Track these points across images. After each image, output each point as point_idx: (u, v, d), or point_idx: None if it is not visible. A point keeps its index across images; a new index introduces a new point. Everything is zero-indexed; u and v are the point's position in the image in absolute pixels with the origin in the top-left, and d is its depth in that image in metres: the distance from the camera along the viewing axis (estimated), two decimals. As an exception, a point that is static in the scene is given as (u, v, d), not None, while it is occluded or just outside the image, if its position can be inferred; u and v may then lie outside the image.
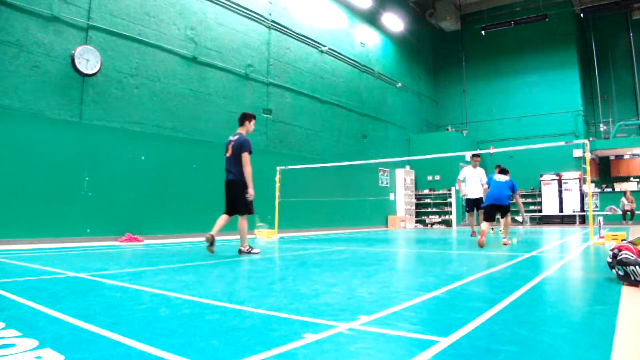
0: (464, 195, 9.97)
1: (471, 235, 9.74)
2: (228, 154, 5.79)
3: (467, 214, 10.30)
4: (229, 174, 5.76)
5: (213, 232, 5.52)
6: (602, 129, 19.54)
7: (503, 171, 7.52)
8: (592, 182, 17.18)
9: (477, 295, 2.82)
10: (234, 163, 5.69)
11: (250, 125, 5.97)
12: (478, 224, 8.49)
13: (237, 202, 5.65)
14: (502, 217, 7.41)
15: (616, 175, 19.02)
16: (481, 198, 9.26)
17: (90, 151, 8.22)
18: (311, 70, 13.90)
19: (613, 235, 7.00)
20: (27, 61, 7.54)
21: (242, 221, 5.73)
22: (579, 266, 4.51)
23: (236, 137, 5.80)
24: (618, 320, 2.07)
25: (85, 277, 3.65)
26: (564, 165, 18.66)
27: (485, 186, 7.76)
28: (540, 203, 19.05)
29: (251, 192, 5.63)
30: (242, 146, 5.66)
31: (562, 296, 2.99)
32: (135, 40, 9.20)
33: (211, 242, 5.49)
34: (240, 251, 5.77)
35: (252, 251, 5.79)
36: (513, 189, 7.23)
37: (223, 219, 5.70)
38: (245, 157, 5.63)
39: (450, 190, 17.77)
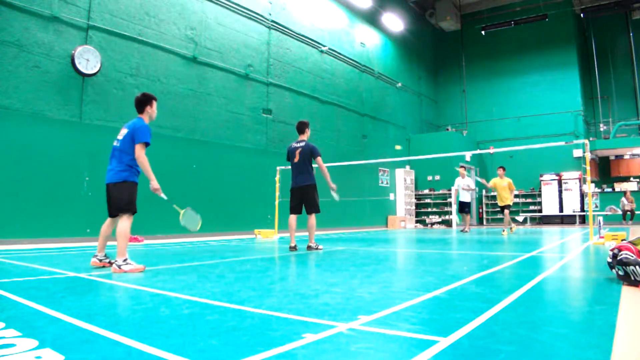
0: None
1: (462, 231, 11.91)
2: (296, 160, 6.31)
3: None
4: (300, 178, 6.26)
5: (293, 242, 6.31)
6: (602, 129, 19.52)
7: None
8: (592, 182, 17.19)
9: (477, 295, 2.81)
10: (304, 168, 6.25)
11: (308, 134, 6.55)
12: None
13: (310, 203, 6.27)
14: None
15: (616, 175, 19.01)
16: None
17: (90, 151, 8.21)
18: (311, 70, 13.90)
19: (613, 235, 7.00)
20: (27, 61, 7.54)
21: (313, 219, 6.37)
22: (579, 266, 4.51)
23: (303, 144, 6.32)
24: (618, 320, 2.07)
25: (85, 277, 3.66)
26: (564, 165, 18.66)
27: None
28: (540, 203, 19.04)
29: (333, 186, 6.37)
30: (313, 151, 6.28)
31: (562, 296, 2.99)
32: (135, 40, 9.20)
33: (296, 248, 6.26)
34: (309, 247, 6.34)
35: (319, 247, 6.43)
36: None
37: (294, 220, 6.40)
38: (320, 160, 6.29)
39: (450, 190, 17.76)
